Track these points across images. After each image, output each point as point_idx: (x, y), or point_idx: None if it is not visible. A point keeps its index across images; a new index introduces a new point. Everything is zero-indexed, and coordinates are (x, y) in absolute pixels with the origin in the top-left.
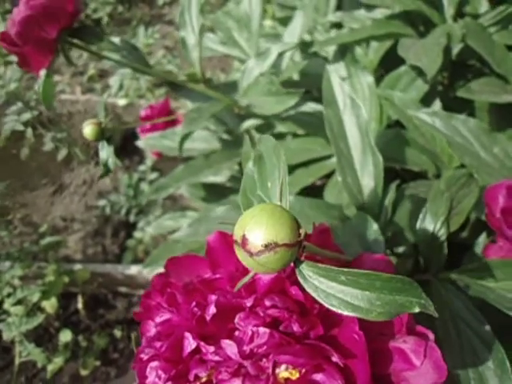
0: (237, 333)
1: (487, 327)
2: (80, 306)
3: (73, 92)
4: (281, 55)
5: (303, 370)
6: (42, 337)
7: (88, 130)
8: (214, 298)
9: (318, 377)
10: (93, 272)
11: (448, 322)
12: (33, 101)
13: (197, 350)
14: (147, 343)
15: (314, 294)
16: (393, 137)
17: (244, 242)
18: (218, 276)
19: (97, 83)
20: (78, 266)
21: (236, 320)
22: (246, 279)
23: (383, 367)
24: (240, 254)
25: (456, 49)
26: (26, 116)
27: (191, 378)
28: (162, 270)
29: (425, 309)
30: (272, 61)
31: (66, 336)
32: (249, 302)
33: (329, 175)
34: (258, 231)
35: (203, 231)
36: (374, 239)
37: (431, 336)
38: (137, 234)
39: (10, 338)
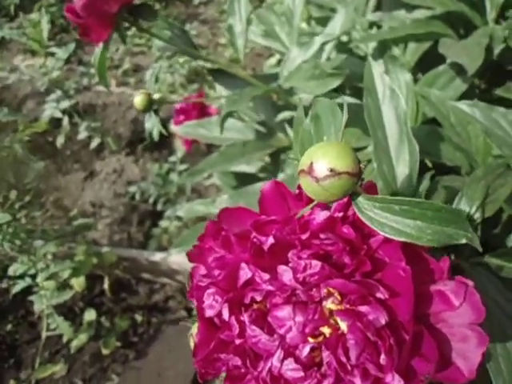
0: (290, 264)
1: None
2: (106, 287)
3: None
4: (323, 45)
5: (347, 305)
6: (67, 314)
7: (138, 99)
8: (269, 235)
9: (363, 308)
10: (119, 256)
11: None
12: (72, 89)
13: (250, 282)
14: (205, 275)
15: (368, 223)
16: (428, 132)
17: (311, 169)
18: (273, 218)
19: (131, 77)
20: (105, 249)
21: (289, 254)
22: (307, 208)
23: (422, 309)
24: (305, 181)
25: (497, 49)
26: (65, 104)
27: (247, 300)
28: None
29: (471, 241)
30: (315, 50)
31: (90, 315)
32: (304, 236)
33: None
34: (325, 159)
35: (243, 204)
36: None
37: (470, 283)
38: (162, 223)
39: (40, 310)
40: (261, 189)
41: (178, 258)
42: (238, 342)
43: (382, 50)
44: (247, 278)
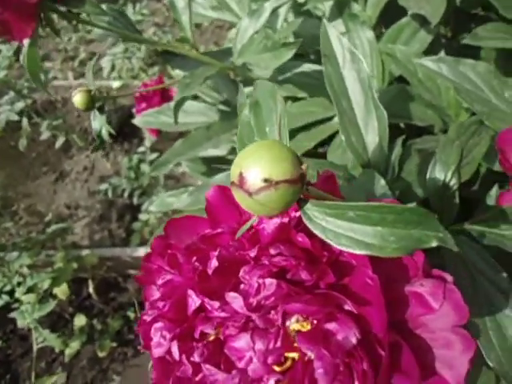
0: (242, 286)
1: (503, 275)
2: (91, 290)
3: (65, 78)
4: (274, 12)
5: (314, 321)
6: (57, 323)
7: (78, 97)
8: (215, 252)
9: (331, 326)
10: (101, 256)
11: (462, 272)
12: (25, 89)
13: (201, 308)
14: (150, 305)
15: (321, 235)
16: (396, 93)
17: (241, 181)
18: (219, 231)
19: None
20: (85, 252)
21: (240, 273)
22: (247, 225)
23: (398, 313)
24: (238, 195)
25: None
26: (20, 105)
27: (197, 335)
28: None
29: (443, 243)
30: (266, 18)
31: (80, 320)
32: (252, 253)
33: (331, 138)
34: (256, 167)
35: (204, 199)
36: (381, 194)
37: (449, 278)
38: (142, 217)
39: (24, 325)
40: (205, 195)
41: None
42: (196, 378)
43: (341, 7)
44: (196, 306)
